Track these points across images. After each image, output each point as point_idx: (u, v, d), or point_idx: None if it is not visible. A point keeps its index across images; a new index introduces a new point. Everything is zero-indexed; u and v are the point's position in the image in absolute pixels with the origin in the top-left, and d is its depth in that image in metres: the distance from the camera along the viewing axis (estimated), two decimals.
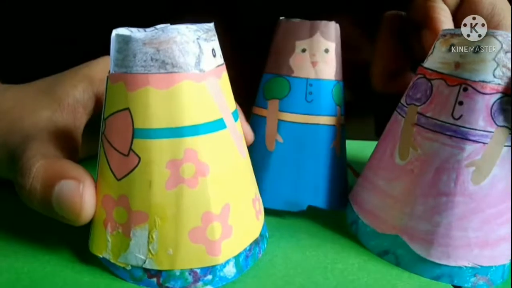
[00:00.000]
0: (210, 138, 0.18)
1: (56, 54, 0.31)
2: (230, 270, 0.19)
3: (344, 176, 0.27)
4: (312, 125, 0.25)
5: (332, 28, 0.25)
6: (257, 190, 0.22)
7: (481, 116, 0.19)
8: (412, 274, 0.21)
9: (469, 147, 0.19)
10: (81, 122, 0.23)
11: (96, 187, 0.19)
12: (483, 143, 0.19)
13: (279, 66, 0.25)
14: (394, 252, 0.22)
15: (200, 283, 0.18)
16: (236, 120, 0.20)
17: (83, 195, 0.18)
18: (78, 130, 0.23)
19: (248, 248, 0.20)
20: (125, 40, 0.17)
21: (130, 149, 0.18)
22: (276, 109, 0.25)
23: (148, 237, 0.18)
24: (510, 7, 0.25)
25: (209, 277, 0.18)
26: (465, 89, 0.20)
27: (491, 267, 0.20)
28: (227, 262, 0.19)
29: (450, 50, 0.20)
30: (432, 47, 0.22)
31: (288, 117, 0.25)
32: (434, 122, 0.20)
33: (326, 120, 0.25)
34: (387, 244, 0.22)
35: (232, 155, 0.20)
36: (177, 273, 0.18)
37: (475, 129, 0.19)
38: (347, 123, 0.27)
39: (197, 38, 0.18)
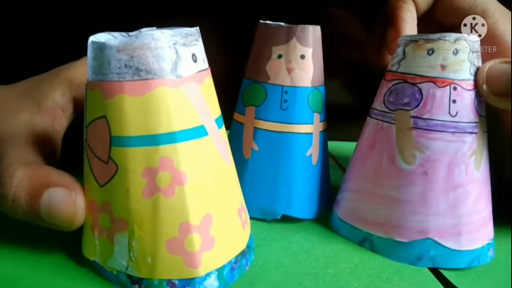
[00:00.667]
0: (189, 145, 0.18)
1: (43, 54, 0.31)
2: (211, 283, 0.18)
3: (323, 183, 0.26)
4: (287, 133, 0.24)
5: (309, 33, 0.23)
6: (243, 199, 0.21)
7: (471, 110, 0.22)
8: (404, 276, 0.21)
9: (469, 139, 0.22)
10: (61, 125, 0.23)
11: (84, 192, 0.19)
12: (476, 133, 0.22)
13: (257, 72, 0.25)
14: (428, 255, 0.22)
15: None
16: (220, 126, 0.19)
17: (76, 203, 0.18)
18: (58, 133, 0.23)
19: (233, 261, 0.19)
20: (100, 48, 0.17)
21: (109, 156, 0.18)
22: (253, 116, 0.25)
23: (129, 245, 0.18)
24: None
25: None
26: (455, 88, 0.21)
27: (494, 238, 0.23)
28: (208, 274, 0.18)
29: (429, 54, 0.22)
30: (402, 52, 0.23)
31: (264, 125, 0.24)
32: (435, 123, 0.22)
33: (301, 128, 0.24)
34: (419, 250, 0.22)
35: (215, 163, 0.19)
36: (156, 283, 0.18)
37: (470, 122, 0.22)
38: (348, 125, 0.26)
39: (174, 43, 0.17)
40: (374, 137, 0.24)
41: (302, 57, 0.24)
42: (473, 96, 0.22)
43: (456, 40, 0.21)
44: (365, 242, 0.24)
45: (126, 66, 0.17)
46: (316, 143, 0.25)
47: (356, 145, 0.25)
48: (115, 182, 0.18)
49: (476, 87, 0.22)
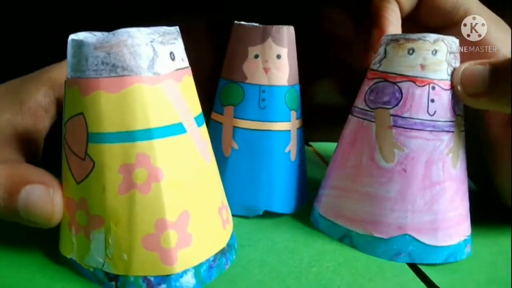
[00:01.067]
0: (166, 142, 0.18)
1: (29, 56, 0.31)
2: (188, 281, 0.18)
3: (301, 178, 0.27)
4: (266, 131, 0.25)
5: (284, 33, 0.24)
6: (225, 198, 0.21)
7: (448, 109, 0.22)
8: (386, 275, 0.21)
9: (446, 137, 0.22)
10: (43, 125, 0.23)
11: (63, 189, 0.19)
12: (452, 132, 0.22)
13: (234, 72, 0.25)
14: (406, 251, 0.22)
15: None
16: (200, 124, 0.20)
17: (53, 200, 0.19)
18: (40, 133, 0.23)
19: (212, 259, 0.19)
20: (78, 45, 0.17)
21: (86, 153, 0.18)
22: (232, 115, 0.25)
23: (105, 241, 0.18)
24: None
25: (163, 286, 0.18)
26: (433, 88, 0.22)
27: (469, 236, 0.23)
28: (185, 272, 0.18)
29: (410, 53, 0.22)
30: (383, 51, 0.23)
31: (243, 124, 0.25)
32: (414, 121, 0.22)
33: (280, 126, 0.25)
34: (397, 246, 0.22)
35: (193, 160, 0.19)
36: (132, 279, 0.18)
37: (447, 121, 0.22)
38: (339, 126, 0.26)
39: (151, 41, 0.17)
40: (355, 135, 0.24)
41: (278, 56, 0.24)
42: (450, 95, 0.22)
43: (435, 41, 0.22)
44: (345, 238, 0.24)
45: (103, 63, 0.17)
46: (294, 139, 0.26)
47: (338, 142, 0.25)
48: (91, 178, 0.18)
49: (452, 87, 0.22)
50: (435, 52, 0.22)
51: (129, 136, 0.17)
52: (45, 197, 0.19)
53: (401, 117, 0.22)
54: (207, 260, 0.19)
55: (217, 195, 0.20)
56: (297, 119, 0.26)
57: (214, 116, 0.27)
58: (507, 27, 0.26)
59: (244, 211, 0.25)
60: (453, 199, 0.22)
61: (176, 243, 0.18)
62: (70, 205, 0.19)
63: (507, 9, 0.28)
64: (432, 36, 0.22)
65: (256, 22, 0.26)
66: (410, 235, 0.22)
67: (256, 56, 0.24)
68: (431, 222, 0.22)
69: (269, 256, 0.22)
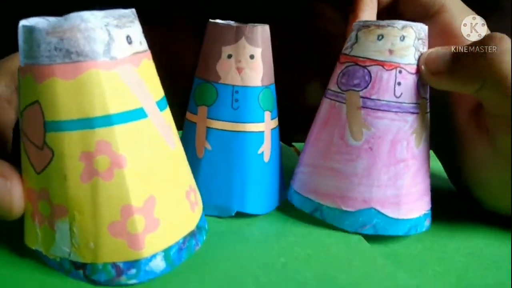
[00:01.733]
0: (127, 127, 0.18)
1: None
2: (158, 264, 0.18)
3: (275, 180, 0.27)
4: (239, 132, 0.25)
5: (258, 33, 0.24)
6: (193, 181, 0.21)
7: (413, 92, 0.23)
8: (353, 264, 0.22)
9: (410, 118, 0.23)
10: (9, 117, 0.22)
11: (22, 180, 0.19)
12: (417, 113, 0.23)
13: (207, 72, 0.25)
14: (371, 223, 0.24)
15: (123, 277, 0.18)
16: (163, 108, 0.19)
17: (11, 191, 0.18)
18: (6, 125, 0.22)
19: (181, 241, 0.19)
20: (29, 31, 0.17)
21: (44, 142, 0.17)
22: (205, 116, 0.25)
23: (70, 231, 0.18)
24: None
25: (133, 271, 0.18)
26: (400, 72, 0.23)
27: (429, 210, 0.25)
28: (154, 256, 0.18)
29: (379, 39, 0.23)
30: (354, 37, 0.24)
31: (216, 124, 0.25)
32: (381, 103, 0.23)
33: (253, 127, 0.25)
34: (363, 218, 0.24)
35: (157, 145, 0.19)
36: (100, 267, 0.18)
37: (412, 103, 0.23)
38: None
39: (106, 25, 0.17)
40: (327, 116, 0.25)
41: (252, 57, 0.24)
42: (416, 79, 0.23)
43: (403, 27, 0.23)
44: (316, 211, 0.25)
45: (56, 49, 0.16)
46: (267, 141, 0.26)
47: (312, 123, 0.26)
48: (52, 168, 0.17)
49: (418, 71, 0.23)
50: (403, 38, 0.23)
51: (88, 123, 0.17)
52: (1, 188, 0.18)
53: (370, 98, 0.23)
54: (176, 243, 0.19)
55: (184, 179, 0.20)
56: (272, 119, 0.26)
57: (189, 116, 0.26)
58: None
59: (217, 211, 0.25)
60: (415, 175, 0.24)
61: (144, 228, 0.18)
62: (31, 196, 0.18)
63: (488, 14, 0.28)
64: (401, 23, 0.23)
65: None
66: (375, 208, 0.23)
67: (230, 56, 0.24)
68: (394, 197, 0.23)
69: (238, 246, 0.22)
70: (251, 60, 0.24)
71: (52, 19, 0.18)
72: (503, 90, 0.21)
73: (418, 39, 0.23)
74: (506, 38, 0.21)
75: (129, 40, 0.18)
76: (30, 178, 0.18)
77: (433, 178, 0.29)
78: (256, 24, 0.24)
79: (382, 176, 0.23)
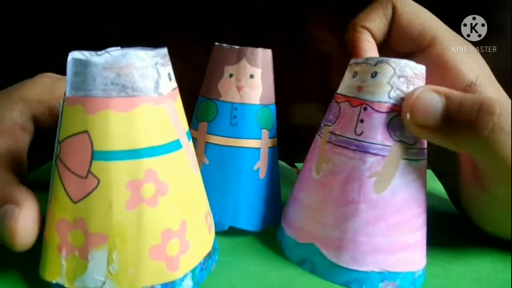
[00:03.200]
0: (168, 158, 0.19)
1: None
2: (187, 284, 0.20)
3: (271, 197, 0.28)
4: (236, 147, 0.26)
5: (259, 55, 0.26)
6: (208, 205, 0.23)
7: (379, 131, 0.21)
8: None
9: (370, 159, 0.21)
10: (24, 143, 0.22)
11: (48, 211, 0.18)
12: (382, 155, 0.21)
13: (210, 90, 0.26)
14: (311, 260, 0.23)
15: None
16: (189, 139, 0.21)
17: (18, 218, 0.18)
18: (22, 151, 0.22)
19: (202, 262, 0.21)
20: (84, 64, 0.17)
21: (89, 171, 0.18)
22: (205, 131, 0.26)
23: (108, 258, 0.18)
24: (439, 20, 0.26)
25: None
26: (365, 109, 0.22)
27: (399, 273, 0.21)
28: (185, 276, 0.20)
29: (354, 76, 0.23)
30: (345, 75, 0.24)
31: (214, 139, 0.26)
32: (342, 139, 0.22)
33: (249, 143, 0.26)
34: (305, 252, 0.23)
35: (188, 173, 0.21)
36: None
37: (374, 143, 0.21)
38: None
39: (155, 63, 0.19)
40: (311, 148, 0.25)
41: (251, 76, 0.26)
42: (387, 119, 0.21)
43: (377, 63, 0.22)
44: (279, 236, 0.26)
45: (112, 83, 0.17)
46: (264, 158, 0.27)
47: None
48: (94, 196, 0.18)
49: (401, 112, 0.21)
50: (375, 74, 0.21)
51: (137, 153, 0.18)
52: (9, 215, 0.18)
53: (334, 134, 0.23)
54: (200, 263, 0.21)
55: (203, 203, 0.22)
56: (269, 138, 0.27)
57: (191, 132, 0.27)
58: (476, 52, 0.26)
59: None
60: (369, 224, 0.21)
61: (179, 250, 0.19)
62: (62, 227, 0.18)
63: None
64: (375, 59, 0.22)
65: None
66: (316, 245, 0.22)
67: (231, 75, 0.26)
68: (337, 239, 0.22)
69: (241, 278, 0.22)
70: (250, 80, 0.26)
71: (86, 53, 0.18)
72: (501, 173, 0.20)
73: (400, 76, 0.21)
74: (505, 111, 0.19)
75: (169, 77, 0.20)
76: (63, 209, 0.18)
77: (435, 198, 0.29)
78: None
79: (329, 214, 0.22)
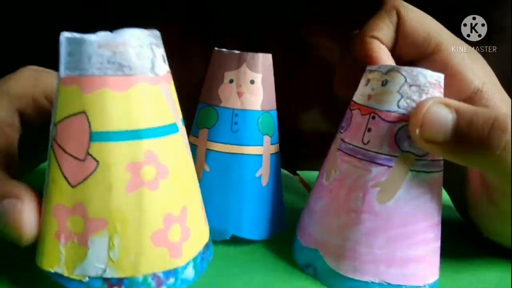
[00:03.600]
0: (166, 140, 0.19)
1: None
2: (190, 272, 0.19)
3: (274, 205, 0.27)
4: (237, 154, 0.25)
5: (259, 60, 0.25)
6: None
7: (386, 141, 0.21)
8: None
9: (375, 169, 0.21)
10: (12, 138, 0.21)
11: (43, 198, 0.18)
12: (388, 166, 0.21)
13: (210, 96, 0.26)
14: (314, 265, 0.23)
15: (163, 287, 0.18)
16: (183, 125, 0.21)
17: (21, 211, 0.17)
18: (11, 147, 0.21)
19: (202, 251, 0.20)
20: (78, 42, 0.17)
21: (87, 153, 0.17)
22: (205, 138, 0.26)
23: (108, 244, 0.17)
24: (441, 25, 0.26)
25: (172, 280, 0.18)
26: (373, 117, 0.21)
27: (400, 286, 0.21)
28: (188, 264, 0.19)
29: (366, 84, 0.22)
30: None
31: (215, 146, 0.25)
32: (350, 147, 0.22)
33: (251, 149, 0.26)
34: (309, 257, 0.23)
35: (186, 158, 0.20)
36: (140, 279, 0.18)
37: (381, 153, 0.21)
38: None
39: (150, 43, 0.18)
40: (327, 155, 0.25)
41: (252, 82, 0.25)
42: (395, 128, 0.21)
43: (388, 72, 0.21)
44: (294, 242, 0.25)
45: (108, 61, 0.17)
46: (266, 164, 0.26)
47: None
48: (94, 179, 0.17)
49: (410, 123, 0.20)
50: (385, 82, 0.21)
51: (136, 134, 0.17)
52: (12, 209, 0.17)
53: (344, 141, 0.23)
54: (199, 253, 0.20)
55: (199, 193, 0.21)
56: (271, 144, 0.27)
57: (191, 139, 0.26)
58: (481, 58, 0.26)
59: (213, 234, 0.24)
60: (370, 235, 0.21)
61: (181, 236, 0.19)
62: (59, 213, 0.17)
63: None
64: (386, 67, 0.21)
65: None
66: (319, 251, 0.22)
67: (231, 81, 0.25)
68: (338, 247, 0.22)
69: None
70: (251, 85, 0.25)
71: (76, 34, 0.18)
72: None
73: (411, 85, 0.20)
74: None
75: (163, 59, 0.19)
76: (61, 194, 0.17)
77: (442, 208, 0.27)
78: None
79: (333, 221, 0.22)
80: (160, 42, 0.19)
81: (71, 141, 0.17)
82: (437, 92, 0.21)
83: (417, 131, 0.19)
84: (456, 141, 0.19)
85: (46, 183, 0.18)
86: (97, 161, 0.17)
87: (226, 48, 0.26)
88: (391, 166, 0.21)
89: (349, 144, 0.22)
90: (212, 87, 0.26)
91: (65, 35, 0.17)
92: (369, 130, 0.21)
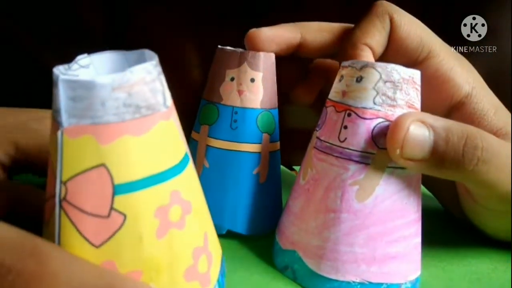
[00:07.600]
0: (185, 174, 0.18)
1: None
2: None
3: (271, 202, 0.28)
4: (236, 151, 0.26)
5: (260, 59, 0.25)
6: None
7: (363, 138, 0.20)
8: None
9: (353, 167, 0.21)
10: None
11: None
12: (365, 163, 0.21)
13: (212, 93, 0.26)
14: (292, 267, 0.23)
15: None
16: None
17: None
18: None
19: (220, 267, 0.21)
20: (87, 87, 0.14)
21: (111, 208, 0.15)
22: (206, 134, 0.26)
23: None
24: (431, 31, 0.26)
25: None
26: (349, 115, 0.21)
27: (381, 284, 0.21)
28: (215, 286, 0.19)
29: (340, 80, 0.22)
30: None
31: (215, 143, 0.26)
32: (326, 145, 0.22)
33: (249, 147, 0.26)
34: (287, 259, 0.23)
35: (198, 185, 0.19)
36: None
37: (357, 151, 0.21)
38: None
39: (158, 74, 0.16)
40: (305, 154, 0.25)
41: (252, 80, 0.25)
42: (371, 126, 0.20)
43: (362, 68, 0.21)
44: (274, 245, 0.25)
45: (124, 105, 0.15)
46: (264, 162, 0.27)
47: None
48: (122, 234, 0.16)
49: (388, 141, 0.20)
50: (360, 79, 0.21)
51: (161, 177, 0.16)
52: None
53: (320, 139, 0.22)
54: (220, 270, 0.20)
55: (209, 212, 0.21)
56: (271, 142, 0.27)
57: (193, 134, 0.26)
58: (470, 65, 0.26)
59: None
60: (350, 234, 0.21)
61: (207, 265, 0.19)
62: None
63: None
64: (360, 63, 0.21)
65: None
66: (298, 253, 0.22)
67: (232, 79, 0.25)
68: (317, 248, 0.21)
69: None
70: (251, 84, 0.25)
71: (61, 68, 0.16)
72: (490, 195, 0.22)
73: (386, 81, 0.20)
74: (487, 143, 0.20)
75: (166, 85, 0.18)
76: (82, 256, 0.15)
77: (432, 199, 0.29)
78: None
79: (311, 221, 0.22)
80: (159, 66, 0.17)
81: (90, 198, 0.15)
82: (411, 88, 0.21)
83: (398, 151, 0.20)
84: (434, 158, 0.20)
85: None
86: (123, 214, 0.16)
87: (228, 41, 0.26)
88: (368, 164, 0.20)
89: (325, 142, 0.22)
90: (214, 84, 0.26)
91: (63, 79, 0.14)
92: (345, 127, 0.21)
